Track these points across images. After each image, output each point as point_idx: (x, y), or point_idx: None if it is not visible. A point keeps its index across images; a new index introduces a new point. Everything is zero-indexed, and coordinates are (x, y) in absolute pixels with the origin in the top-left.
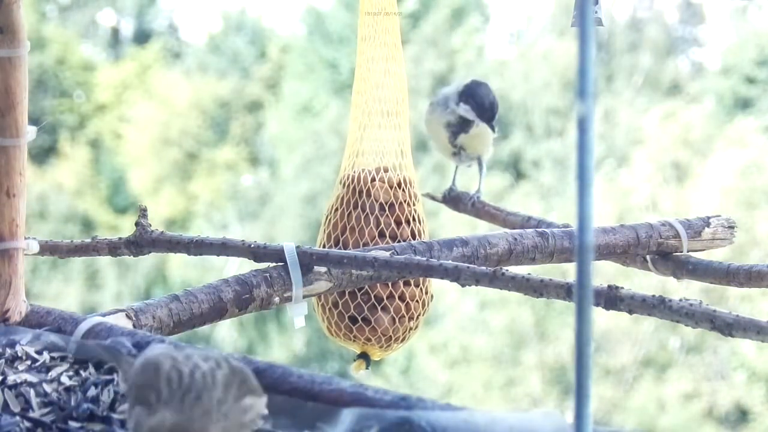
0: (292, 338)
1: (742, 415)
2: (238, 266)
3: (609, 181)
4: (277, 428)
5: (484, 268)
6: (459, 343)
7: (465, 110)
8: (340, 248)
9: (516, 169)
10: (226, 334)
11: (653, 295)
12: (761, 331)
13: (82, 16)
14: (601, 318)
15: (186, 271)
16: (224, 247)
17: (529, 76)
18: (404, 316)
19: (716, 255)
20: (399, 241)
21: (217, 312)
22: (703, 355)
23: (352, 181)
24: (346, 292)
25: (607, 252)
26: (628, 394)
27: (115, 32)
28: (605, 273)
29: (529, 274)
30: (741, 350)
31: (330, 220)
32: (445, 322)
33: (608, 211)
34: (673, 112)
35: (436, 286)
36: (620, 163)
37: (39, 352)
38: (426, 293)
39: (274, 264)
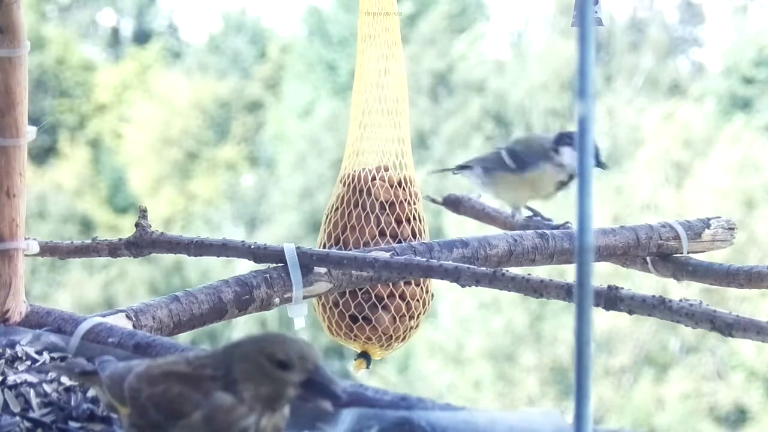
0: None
1: (741, 414)
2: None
3: (610, 181)
4: None
5: (484, 268)
6: (457, 343)
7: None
8: (340, 247)
9: None
10: (227, 333)
11: (653, 296)
12: (761, 331)
13: (82, 16)
14: (602, 318)
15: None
16: (224, 248)
17: (528, 76)
18: (405, 315)
19: (716, 255)
20: (399, 240)
21: (217, 313)
22: (703, 355)
23: (353, 179)
24: (347, 292)
25: (607, 253)
26: (628, 394)
27: (115, 32)
28: (605, 274)
29: (529, 274)
30: (739, 350)
31: (330, 219)
32: (444, 322)
33: (608, 212)
34: (674, 112)
35: (435, 285)
36: (621, 163)
37: (39, 353)
38: (426, 292)
39: (274, 265)
